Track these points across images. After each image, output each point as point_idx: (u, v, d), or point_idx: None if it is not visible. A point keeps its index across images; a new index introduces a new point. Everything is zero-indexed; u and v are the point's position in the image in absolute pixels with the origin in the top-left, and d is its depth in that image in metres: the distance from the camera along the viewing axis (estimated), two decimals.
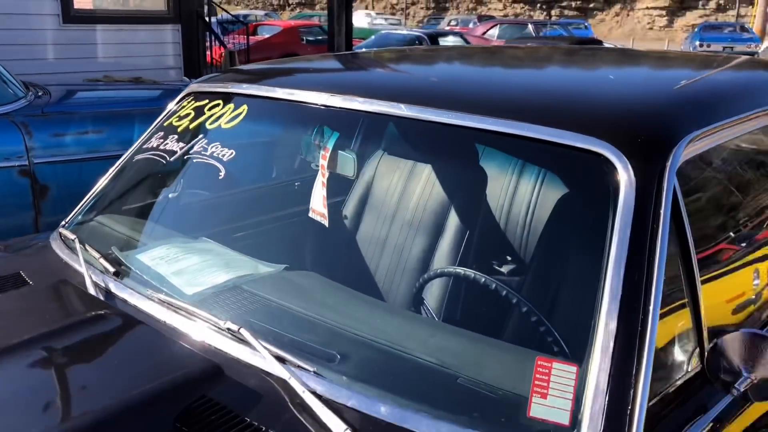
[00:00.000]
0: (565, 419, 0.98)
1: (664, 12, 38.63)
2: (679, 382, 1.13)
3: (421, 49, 2.71)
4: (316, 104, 1.53)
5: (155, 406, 1.06)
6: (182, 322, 1.28)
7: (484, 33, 17.41)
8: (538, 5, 41.88)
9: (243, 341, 1.18)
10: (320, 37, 14.66)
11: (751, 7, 29.17)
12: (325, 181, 1.54)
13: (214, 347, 1.20)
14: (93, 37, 6.27)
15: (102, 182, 1.92)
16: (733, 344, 1.07)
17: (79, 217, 1.86)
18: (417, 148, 1.73)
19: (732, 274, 1.37)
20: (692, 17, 37.34)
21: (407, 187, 1.79)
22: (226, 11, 10.54)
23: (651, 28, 38.41)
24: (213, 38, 7.12)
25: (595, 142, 1.16)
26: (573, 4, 41.05)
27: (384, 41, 13.30)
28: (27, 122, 3.57)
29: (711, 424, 1.08)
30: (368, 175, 1.87)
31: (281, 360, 1.12)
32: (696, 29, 25.55)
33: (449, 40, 13.37)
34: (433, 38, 13.03)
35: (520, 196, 1.48)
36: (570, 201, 1.35)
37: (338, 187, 1.84)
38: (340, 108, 1.48)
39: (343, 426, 0.99)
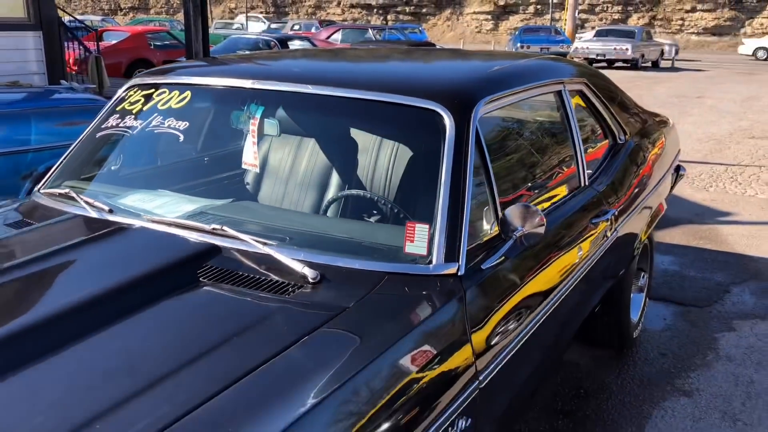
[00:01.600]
0: (423, 251, 1.78)
1: (489, 16, 41.73)
2: (486, 238, 1.97)
3: (309, 49, 3.44)
4: (243, 87, 2.23)
5: (180, 268, 1.73)
6: (177, 231, 1.93)
7: (328, 37, 18.34)
8: (375, 10, 43.63)
9: (226, 235, 1.86)
10: (167, 42, 14.86)
11: (563, 11, 32.42)
12: (255, 140, 2.24)
13: (206, 241, 1.88)
14: None
15: (67, 155, 2.49)
16: (512, 212, 1.91)
17: (50, 182, 2.41)
18: (312, 119, 2.46)
19: (512, 173, 2.26)
20: (514, 21, 40.68)
21: (299, 152, 2.52)
22: (73, 17, 10.55)
23: (479, 32, 41.28)
24: (76, 44, 7.34)
25: (432, 104, 1.97)
26: (407, 9, 43.19)
27: (234, 45, 13.80)
28: None
29: (502, 258, 1.92)
30: (265, 147, 2.57)
31: (255, 241, 1.82)
32: (517, 32, 28.17)
33: (296, 44, 14.11)
34: (283, 42, 13.72)
35: (387, 142, 2.27)
36: (419, 139, 2.15)
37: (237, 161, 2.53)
38: (249, 89, 2.20)
39: (302, 265, 1.72)
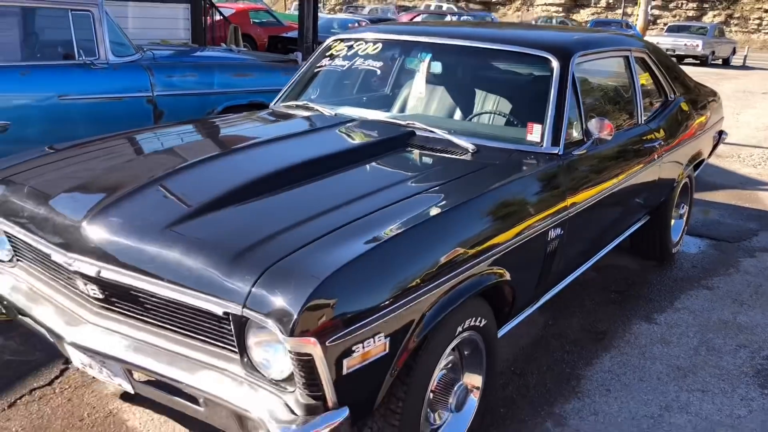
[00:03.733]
0: (538, 139, 2.98)
1: (560, 9, 42.03)
2: (575, 140, 3.14)
3: (449, 21, 4.66)
4: (417, 41, 3.47)
5: (397, 139, 2.96)
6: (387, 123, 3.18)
7: (410, 21, 19.61)
8: None
9: (416, 127, 3.09)
10: (265, 20, 16.32)
11: (635, 6, 32.70)
12: (424, 76, 3.46)
13: (407, 128, 3.11)
14: (126, 12, 7.81)
15: (291, 84, 3.76)
16: (592, 123, 3.07)
17: (281, 100, 3.69)
18: (463, 62, 3.64)
19: (594, 104, 3.42)
20: (586, 14, 40.92)
21: (453, 84, 3.68)
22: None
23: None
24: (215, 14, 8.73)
25: (547, 53, 3.15)
26: None
27: (329, 25, 15.18)
28: (150, 66, 5.24)
29: (584, 151, 3.08)
30: (431, 80, 3.77)
31: (437, 130, 3.04)
32: (588, 25, 28.77)
33: None
34: (374, 23, 15.02)
35: (514, 77, 3.46)
36: (536, 75, 3.33)
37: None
38: (421, 42, 3.43)
39: (466, 143, 2.93)
